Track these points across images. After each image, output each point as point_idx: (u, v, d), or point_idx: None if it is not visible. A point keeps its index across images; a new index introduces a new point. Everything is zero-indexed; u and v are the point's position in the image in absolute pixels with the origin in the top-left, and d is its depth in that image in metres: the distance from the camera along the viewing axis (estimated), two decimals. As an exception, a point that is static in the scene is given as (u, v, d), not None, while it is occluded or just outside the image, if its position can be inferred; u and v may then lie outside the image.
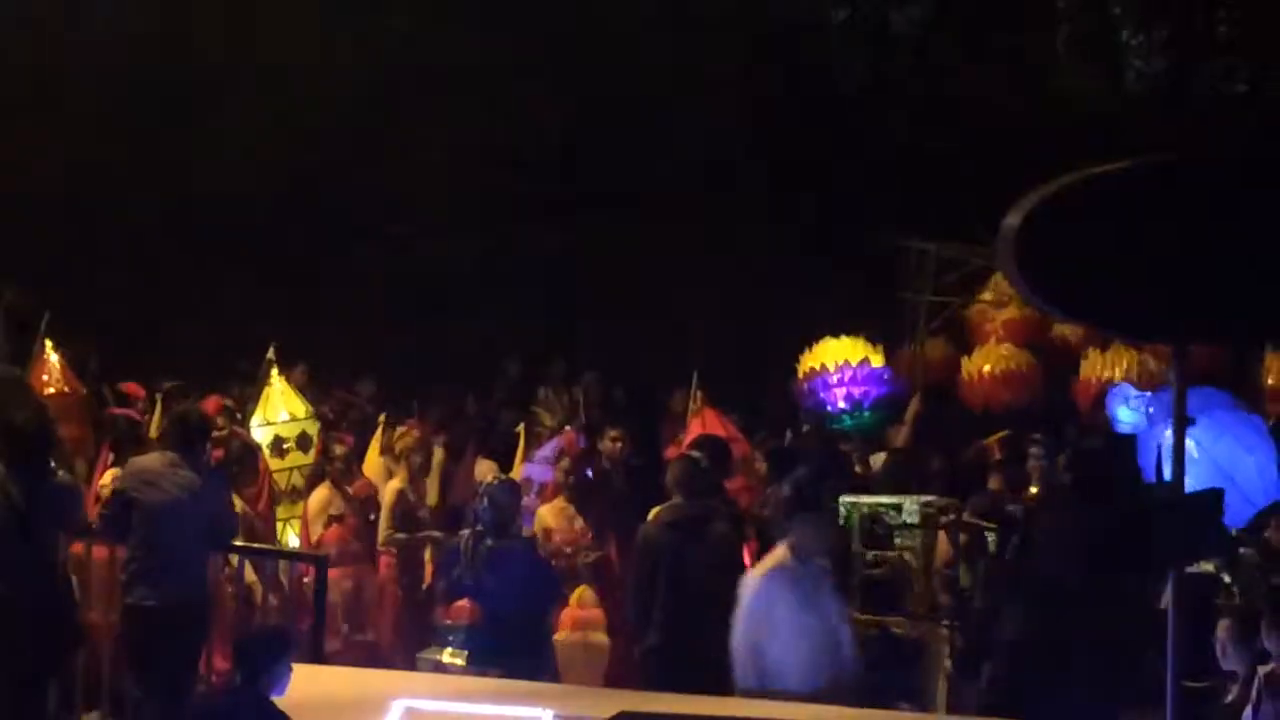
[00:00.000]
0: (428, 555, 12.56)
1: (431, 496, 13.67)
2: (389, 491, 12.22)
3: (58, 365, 13.50)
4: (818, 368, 14.00)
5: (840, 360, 13.87)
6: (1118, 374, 14.61)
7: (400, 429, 13.71)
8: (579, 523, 11.75)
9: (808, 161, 21.42)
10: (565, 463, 12.08)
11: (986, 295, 16.29)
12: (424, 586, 12.32)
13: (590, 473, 12.35)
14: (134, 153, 20.95)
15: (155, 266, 20.67)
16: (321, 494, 12.37)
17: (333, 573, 11.28)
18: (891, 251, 16.33)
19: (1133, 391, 12.80)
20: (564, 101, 21.90)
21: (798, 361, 14.48)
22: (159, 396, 13.41)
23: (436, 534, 12.31)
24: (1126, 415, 12.33)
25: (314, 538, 12.22)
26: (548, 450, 12.75)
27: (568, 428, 13.32)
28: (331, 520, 12.21)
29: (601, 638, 11.79)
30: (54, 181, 20.60)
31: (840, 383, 13.90)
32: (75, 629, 10.24)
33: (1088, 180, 7.39)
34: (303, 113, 21.82)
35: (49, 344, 13.54)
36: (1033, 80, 20.97)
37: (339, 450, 12.80)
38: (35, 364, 13.49)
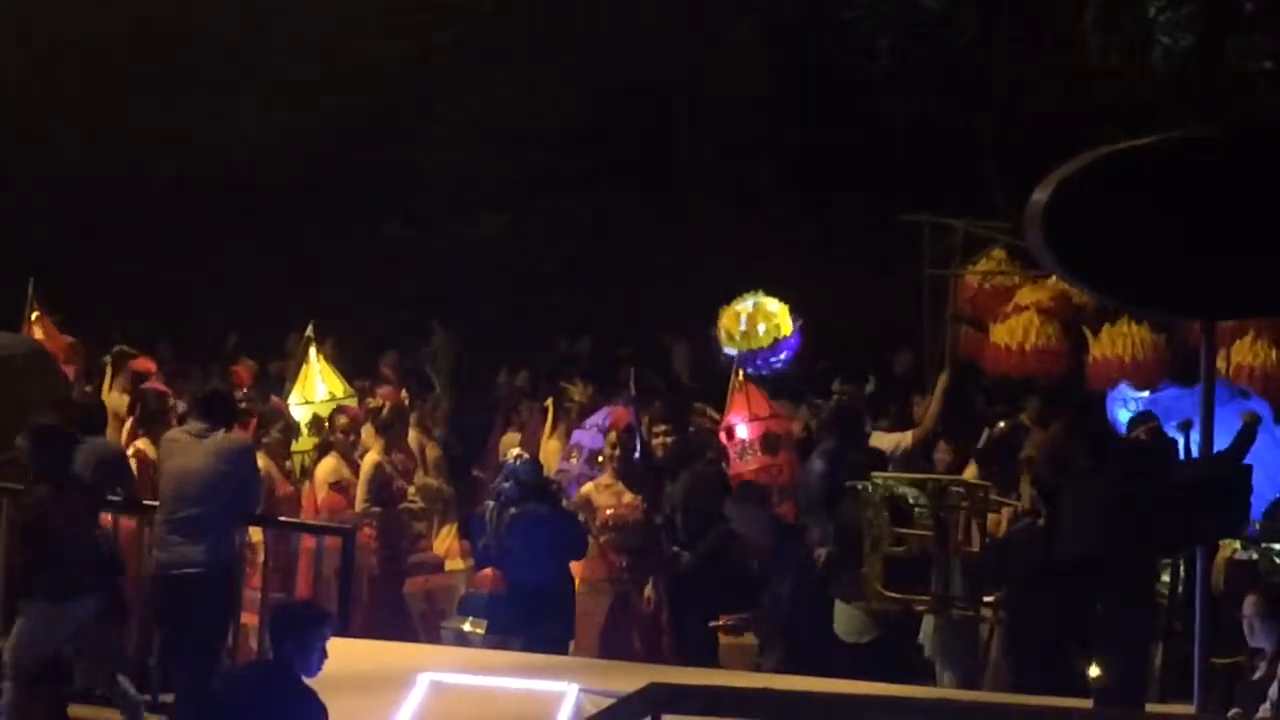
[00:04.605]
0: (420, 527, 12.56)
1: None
2: (366, 463, 12.21)
3: (44, 324, 14.36)
4: (781, 338, 14.16)
5: (788, 331, 14.10)
6: (1125, 352, 14.58)
7: (371, 400, 13.72)
8: (627, 497, 11.72)
9: (832, 136, 21.36)
10: (613, 437, 12.02)
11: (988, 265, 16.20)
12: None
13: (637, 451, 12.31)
14: (158, 130, 21.02)
15: (179, 244, 20.74)
16: (328, 464, 12.40)
17: (328, 540, 11.32)
18: (918, 227, 16.26)
19: (1131, 394, 12.88)
20: (587, 76, 21.87)
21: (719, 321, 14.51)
22: (108, 359, 13.87)
23: (414, 505, 12.34)
24: (1126, 418, 12.36)
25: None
26: (599, 418, 12.71)
27: (618, 403, 13.24)
28: (332, 489, 12.23)
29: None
30: (76, 161, 20.70)
31: (786, 349, 14.15)
32: (120, 600, 10.33)
33: (1115, 155, 7.39)
34: (327, 90, 21.87)
35: (36, 310, 14.41)
36: (1060, 56, 20.86)
37: (342, 421, 12.81)
38: (25, 326, 14.18)
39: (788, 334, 14.00)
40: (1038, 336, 14.81)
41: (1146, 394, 12.74)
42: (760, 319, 13.90)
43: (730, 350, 13.83)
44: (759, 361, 13.95)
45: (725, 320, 13.94)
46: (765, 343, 13.79)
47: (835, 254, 20.24)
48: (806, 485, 11.89)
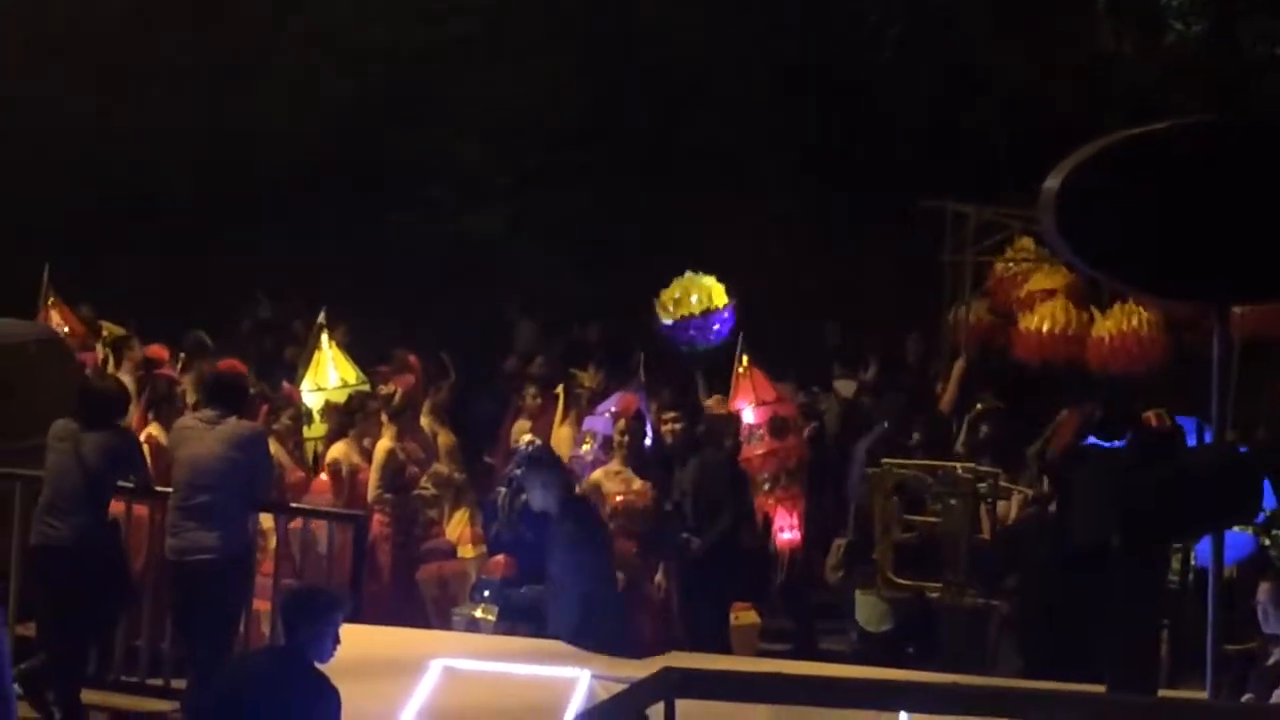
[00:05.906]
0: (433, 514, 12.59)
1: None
2: (379, 450, 12.24)
3: (60, 309, 14.66)
4: (712, 309, 14.51)
5: (721, 303, 14.44)
6: (1138, 329, 14.60)
7: (383, 387, 13.74)
8: (636, 484, 11.69)
9: (839, 126, 21.36)
10: (621, 424, 12.02)
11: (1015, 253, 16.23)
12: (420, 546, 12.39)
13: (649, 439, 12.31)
14: (163, 121, 21.06)
15: (184, 236, 20.77)
16: (338, 449, 12.43)
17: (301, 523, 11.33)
18: (930, 214, 16.27)
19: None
20: (594, 67, 21.89)
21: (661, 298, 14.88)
22: (109, 346, 14.12)
23: (426, 492, 12.38)
24: None
25: None
26: (611, 403, 12.72)
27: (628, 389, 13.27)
28: (329, 470, 12.23)
29: None
30: (78, 159, 20.73)
31: (718, 321, 14.43)
32: (130, 586, 10.41)
33: (1127, 142, 7.37)
34: (336, 80, 21.89)
35: (52, 296, 14.64)
36: (1069, 46, 20.84)
37: (374, 406, 12.83)
38: (42, 312, 14.39)
39: (720, 305, 14.32)
40: (1078, 322, 14.81)
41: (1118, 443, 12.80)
42: (694, 290, 14.30)
43: (666, 321, 14.17)
44: (692, 331, 14.22)
45: (663, 296, 14.32)
46: (696, 310, 14.08)
47: (838, 247, 20.25)
48: (859, 469, 11.91)
